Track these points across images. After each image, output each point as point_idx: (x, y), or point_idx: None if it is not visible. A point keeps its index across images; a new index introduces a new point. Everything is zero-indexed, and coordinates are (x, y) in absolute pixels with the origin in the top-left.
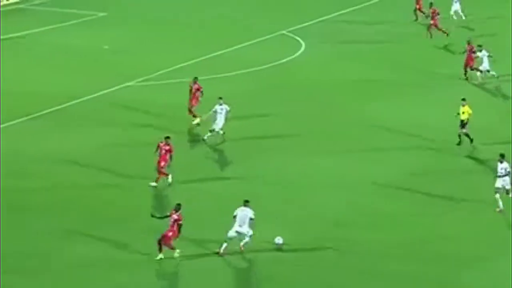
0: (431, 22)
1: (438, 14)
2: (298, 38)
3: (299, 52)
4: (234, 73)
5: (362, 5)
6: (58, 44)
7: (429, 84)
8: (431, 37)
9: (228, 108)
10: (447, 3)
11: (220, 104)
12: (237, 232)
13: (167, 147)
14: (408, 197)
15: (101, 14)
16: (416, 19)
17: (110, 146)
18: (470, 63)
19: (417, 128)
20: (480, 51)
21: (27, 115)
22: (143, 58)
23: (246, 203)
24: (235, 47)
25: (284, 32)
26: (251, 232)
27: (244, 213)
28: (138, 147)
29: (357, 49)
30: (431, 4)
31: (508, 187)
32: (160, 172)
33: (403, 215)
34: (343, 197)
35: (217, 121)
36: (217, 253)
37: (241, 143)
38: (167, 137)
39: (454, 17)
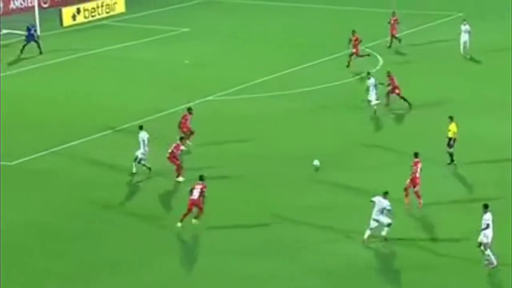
0: (353, 50)
1: (360, 41)
2: (376, 54)
3: (377, 68)
4: (309, 88)
5: (439, 21)
6: (140, 59)
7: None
8: (348, 65)
9: (147, 136)
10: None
11: (139, 133)
12: (375, 220)
13: (182, 147)
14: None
15: (184, 29)
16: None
17: (189, 159)
18: (395, 91)
19: (497, 144)
20: (369, 78)
21: (111, 128)
22: (223, 73)
23: (385, 194)
24: (315, 62)
25: (362, 48)
26: (389, 221)
27: (380, 204)
28: (216, 160)
29: (433, 66)
30: (353, 31)
31: (486, 240)
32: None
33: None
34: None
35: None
36: (363, 241)
37: (318, 158)
38: (182, 138)
39: (461, 51)
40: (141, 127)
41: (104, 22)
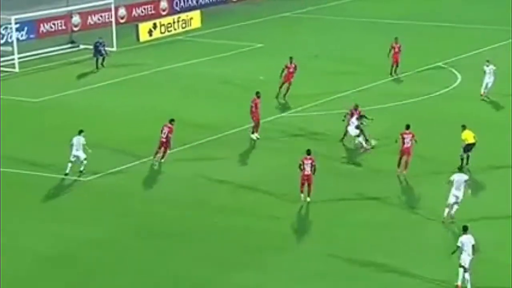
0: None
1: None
2: (454, 71)
3: (455, 84)
4: (387, 105)
5: None
6: (215, 75)
7: None
8: (277, 96)
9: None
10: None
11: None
12: (454, 196)
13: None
14: None
15: (258, 45)
16: (391, 74)
17: (268, 174)
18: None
19: None
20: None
21: (185, 144)
22: (298, 89)
23: (460, 169)
24: (391, 78)
25: (440, 64)
26: (461, 198)
27: (460, 178)
28: (291, 176)
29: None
30: (291, 58)
31: (462, 263)
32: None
33: None
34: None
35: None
36: (442, 221)
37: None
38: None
39: (483, 90)
40: (80, 132)
41: (180, 37)
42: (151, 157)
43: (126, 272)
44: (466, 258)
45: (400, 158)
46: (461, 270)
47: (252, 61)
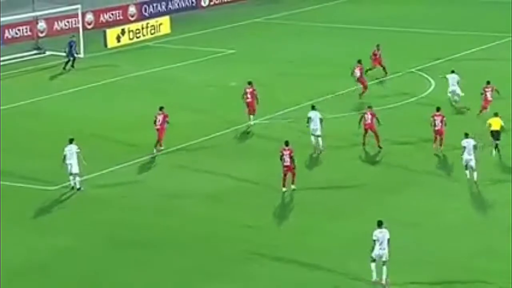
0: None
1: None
2: (428, 77)
3: (429, 91)
4: (361, 111)
5: (495, 43)
6: (186, 81)
7: None
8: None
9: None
10: None
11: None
12: (466, 160)
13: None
14: None
15: (230, 51)
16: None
17: (244, 181)
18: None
19: None
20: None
21: (161, 150)
22: (269, 95)
23: (467, 135)
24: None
25: (413, 70)
26: (475, 162)
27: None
28: (267, 184)
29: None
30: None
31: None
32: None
33: None
34: (477, 241)
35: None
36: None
37: (369, 184)
38: (162, 107)
39: (456, 98)
40: (71, 140)
41: (149, 43)
42: (127, 163)
43: (100, 281)
44: (380, 253)
45: (435, 138)
46: (373, 264)
47: (225, 67)
